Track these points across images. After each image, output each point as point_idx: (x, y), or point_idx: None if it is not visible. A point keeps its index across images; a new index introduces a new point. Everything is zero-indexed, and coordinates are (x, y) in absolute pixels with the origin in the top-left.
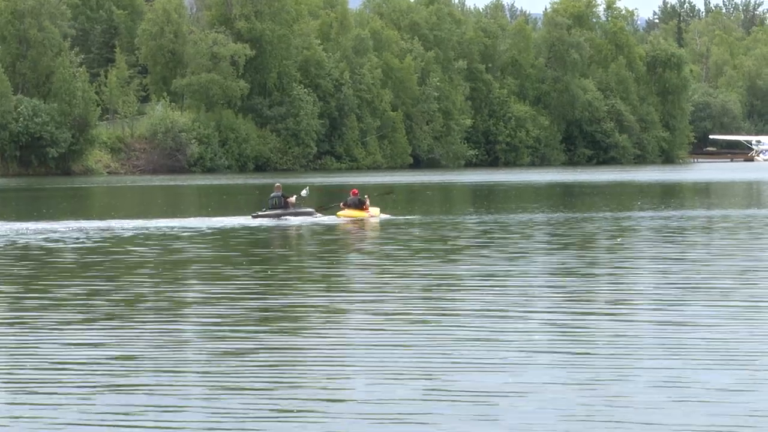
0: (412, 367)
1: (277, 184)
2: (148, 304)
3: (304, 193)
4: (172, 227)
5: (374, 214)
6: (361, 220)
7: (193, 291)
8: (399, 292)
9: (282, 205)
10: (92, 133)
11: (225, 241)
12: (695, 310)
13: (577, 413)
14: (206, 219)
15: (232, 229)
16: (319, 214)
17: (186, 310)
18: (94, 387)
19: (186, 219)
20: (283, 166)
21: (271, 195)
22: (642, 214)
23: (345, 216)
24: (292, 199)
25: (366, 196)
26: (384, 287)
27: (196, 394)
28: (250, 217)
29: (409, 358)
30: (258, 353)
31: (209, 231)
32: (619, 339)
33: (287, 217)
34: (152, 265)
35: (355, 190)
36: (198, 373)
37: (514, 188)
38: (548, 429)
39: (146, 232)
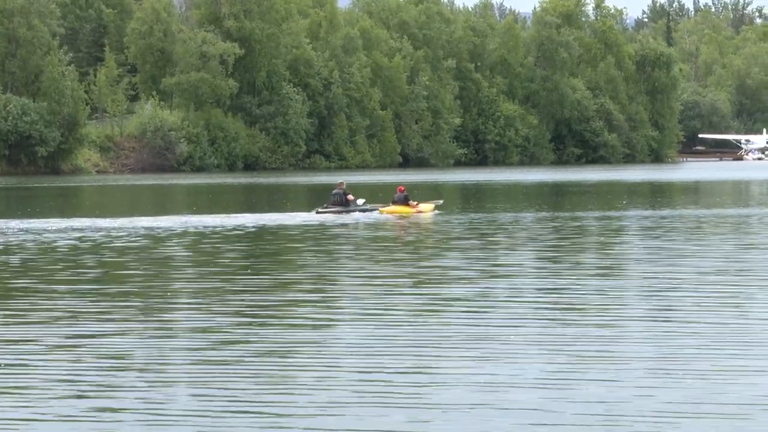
0: (402, 363)
1: (340, 181)
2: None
3: (360, 201)
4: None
5: (423, 210)
6: (405, 216)
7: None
8: (391, 289)
9: (343, 202)
10: (81, 132)
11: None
12: (685, 309)
13: (566, 412)
14: (265, 215)
15: (293, 227)
16: (377, 210)
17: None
18: (84, 380)
19: (244, 215)
20: (272, 165)
21: (333, 191)
22: (628, 213)
23: (388, 213)
24: (351, 197)
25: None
26: (378, 283)
27: (186, 387)
28: (314, 212)
29: (399, 354)
30: (251, 349)
31: (272, 228)
32: (608, 339)
33: (347, 213)
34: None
35: (401, 187)
36: (189, 369)
37: (503, 187)
38: (538, 427)
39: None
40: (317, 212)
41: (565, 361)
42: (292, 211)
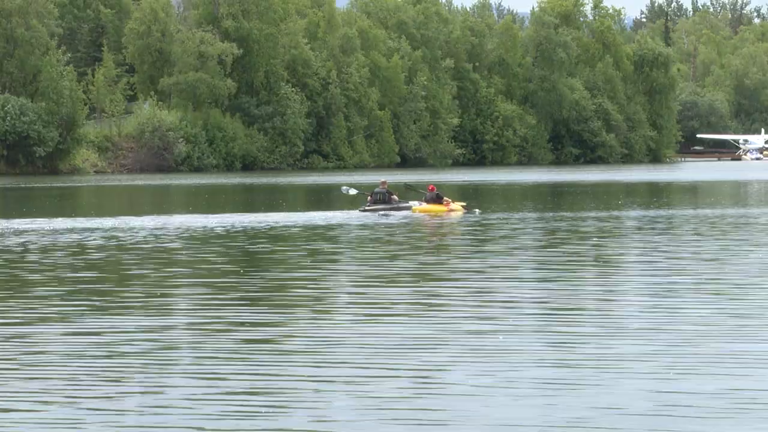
0: (397, 361)
1: (383, 180)
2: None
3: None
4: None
5: (455, 209)
6: (438, 215)
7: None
8: (390, 286)
9: (386, 201)
10: (79, 132)
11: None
12: (681, 308)
13: (560, 412)
14: (314, 213)
15: (337, 225)
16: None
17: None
18: (82, 377)
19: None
20: (270, 165)
21: (376, 190)
22: (623, 213)
23: (421, 211)
24: (396, 197)
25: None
26: (378, 280)
27: (184, 382)
28: (359, 211)
29: (395, 352)
30: (252, 345)
31: (320, 225)
32: (604, 340)
33: (390, 212)
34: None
35: (432, 186)
36: (186, 362)
37: (500, 188)
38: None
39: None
40: (361, 211)
41: (561, 362)
42: (333, 210)
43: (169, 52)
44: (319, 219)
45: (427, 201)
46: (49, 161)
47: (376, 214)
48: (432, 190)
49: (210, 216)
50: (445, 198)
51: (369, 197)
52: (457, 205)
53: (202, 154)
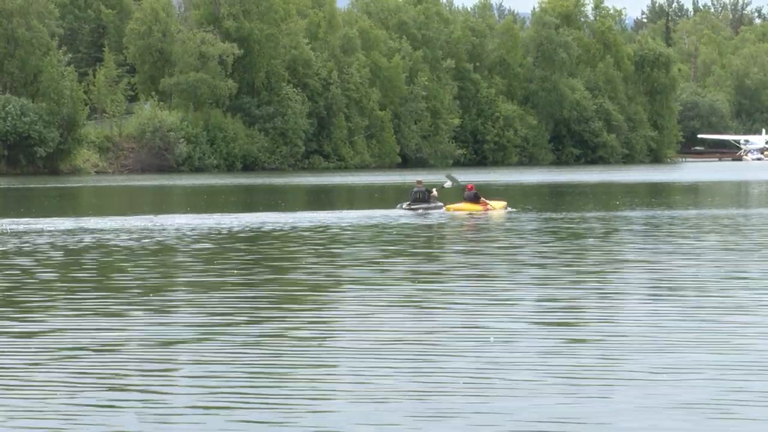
0: (396, 360)
1: (419, 179)
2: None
3: (447, 184)
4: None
5: (493, 207)
6: (472, 213)
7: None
8: (392, 284)
9: (425, 199)
10: (80, 132)
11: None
12: (681, 309)
13: (557, 409)
14: (352, 212)
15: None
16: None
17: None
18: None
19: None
20: (271, 166)
21: (414, 190)
22: (622, 214)
23: (456, 210)
24: (435, 192)
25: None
26: (381, 279)
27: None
28: (401, 209)
29: (395, 351)
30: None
31: (363, 224)
32: (604, 342)
33: (430, 210)
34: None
35: (470, 185)
36: (188, 355)
37: (501, 188)
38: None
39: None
40: (405, 209)
41: (559, 361)
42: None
43: (170, 53)
44: (365, 217)
45: (465, 200)
46: (50, 161)
47: (417, 212)
48: (471, 189)
49: (237, 215)
50: (482, 198)
51: (410, 196)
52: (498, 203)
53: (203, 155)
